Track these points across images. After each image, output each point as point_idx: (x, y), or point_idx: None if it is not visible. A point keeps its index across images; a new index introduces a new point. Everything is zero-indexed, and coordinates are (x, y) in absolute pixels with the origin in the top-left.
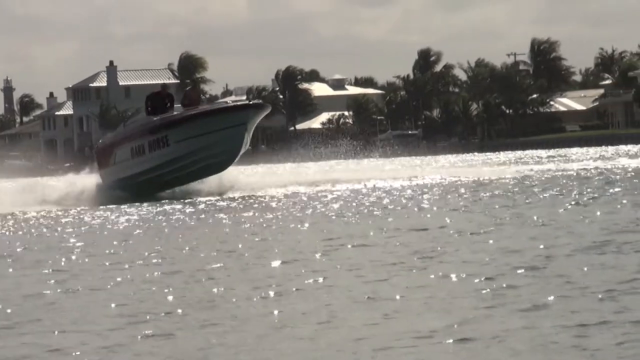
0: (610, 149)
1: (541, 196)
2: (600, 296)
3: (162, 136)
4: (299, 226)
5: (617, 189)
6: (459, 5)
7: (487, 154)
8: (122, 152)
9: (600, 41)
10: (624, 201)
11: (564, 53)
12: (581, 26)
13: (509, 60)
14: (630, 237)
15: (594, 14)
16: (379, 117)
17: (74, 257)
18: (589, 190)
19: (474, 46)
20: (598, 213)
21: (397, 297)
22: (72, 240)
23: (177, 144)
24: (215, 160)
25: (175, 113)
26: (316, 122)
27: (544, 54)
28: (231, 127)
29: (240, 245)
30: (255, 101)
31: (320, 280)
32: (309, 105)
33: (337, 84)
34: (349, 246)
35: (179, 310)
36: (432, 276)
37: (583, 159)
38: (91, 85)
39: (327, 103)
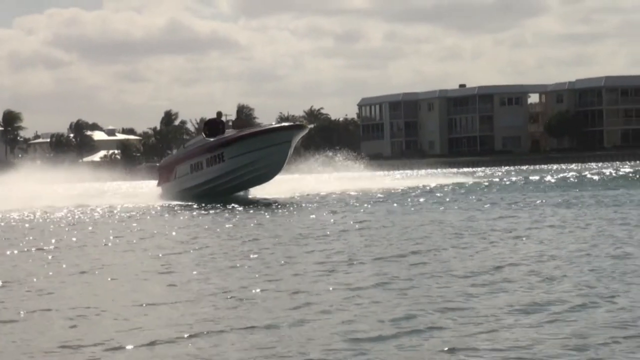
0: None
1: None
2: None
3: (219, 153)
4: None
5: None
6: (192, 83)
7: None
8: (182, 169)
9: (280, 108)
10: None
11: (257, 114)
12: (268, 98)
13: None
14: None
15: (274, 91)
16: (137, 154)
17: None
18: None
19: (200, 109)
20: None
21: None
22: None
23: (231, 160)
24: (264, 172)
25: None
26: (97, 157)
27: (245, 115)
28: (277, 144)
29: None
30: (298, 122)
31: None
32: (92, 146)
33: (110, 132)
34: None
35: None
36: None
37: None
38: None
39: (103, 144)
